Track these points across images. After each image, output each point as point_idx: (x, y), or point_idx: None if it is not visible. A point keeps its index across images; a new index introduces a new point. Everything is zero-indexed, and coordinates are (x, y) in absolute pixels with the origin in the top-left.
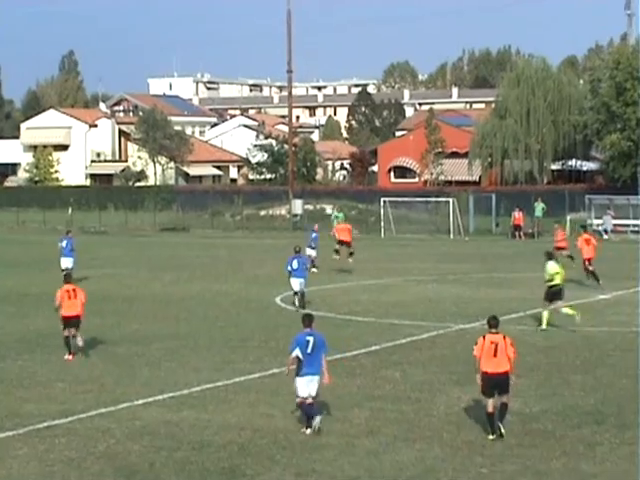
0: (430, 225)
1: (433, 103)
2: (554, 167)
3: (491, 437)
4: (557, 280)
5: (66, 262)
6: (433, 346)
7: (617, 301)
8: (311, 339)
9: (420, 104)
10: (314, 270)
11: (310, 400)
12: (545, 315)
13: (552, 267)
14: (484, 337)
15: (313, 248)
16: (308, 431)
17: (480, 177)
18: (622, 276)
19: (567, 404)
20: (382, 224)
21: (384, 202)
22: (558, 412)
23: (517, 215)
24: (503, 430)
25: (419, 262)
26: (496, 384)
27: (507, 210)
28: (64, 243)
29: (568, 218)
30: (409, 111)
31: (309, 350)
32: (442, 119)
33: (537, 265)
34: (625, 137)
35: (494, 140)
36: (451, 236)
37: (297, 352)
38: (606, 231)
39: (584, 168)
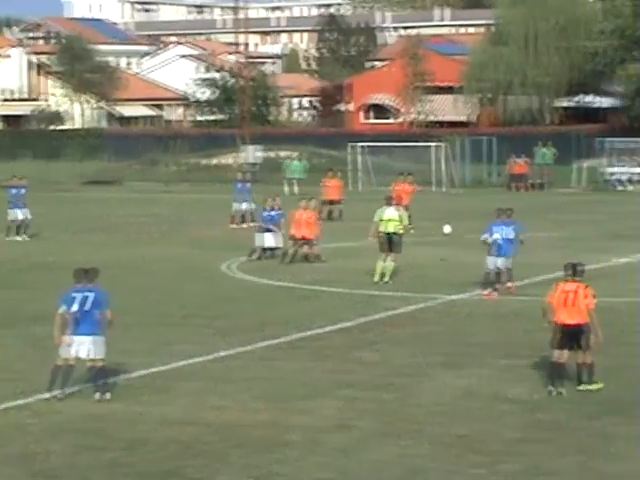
0: (415, 175)
1: (416, 27)
2: (563, 104)
3: (551, 388)
4: (382, 227)
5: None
6: (418, 322)
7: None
8: (78, 296)
9: (398, 28)
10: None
11: (91, 364)
12: (378, 266)
13: (379, 213)
14: (559, 284)
15: (247, 201)
16: (55, 393)
17: (475, 117)
18: None
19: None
20: (359, 174)
21: (357, 148)
22: (571, 400)
23: (519, 162)
24: (591, 388)
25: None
26: (567, 336)
27: (508, 157)
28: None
29: (585, 165)
30: (387, 37)
31: (81, 307)
32: (428, 46)
33: (546, 223)
34: None
35: (491, 72)
36: (443, 188)
37: (63, 309)
38: (627, 181)
39: (599, 105)
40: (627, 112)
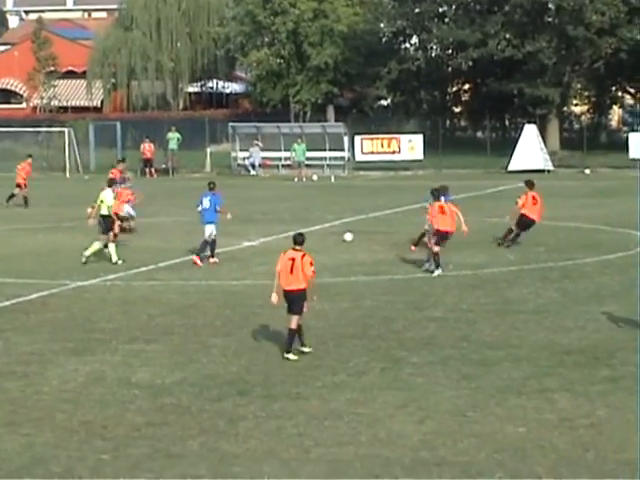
0: (42, 161)
1: (43, 11)
2: (191, 89)
3: (287, 355)
4: (102, 210)
5: None
6: (44, 309)
7: (265, 249)
8: None
9: (27, 12)
10: None
11: None
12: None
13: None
14: (285, 252)
15: None
16: None
17: (102, 102)
18: (271, 219)
19: (206, 373)
20: None
21: None
22: (195, 383)
23: (147, 147)
24: (288, 356)
25: (30, 207)
26: (290, 301)
27: (136, 142)
28: None
29: (208, 150)
30: (13, 21)
31: None
32: (54, 31)
33: (173, 208)
34: (274, 53)
35: (118, 57)
36: (67, 174)
37: None
38: (254, 166)
39: (227, 90)
40: (253, 97)
